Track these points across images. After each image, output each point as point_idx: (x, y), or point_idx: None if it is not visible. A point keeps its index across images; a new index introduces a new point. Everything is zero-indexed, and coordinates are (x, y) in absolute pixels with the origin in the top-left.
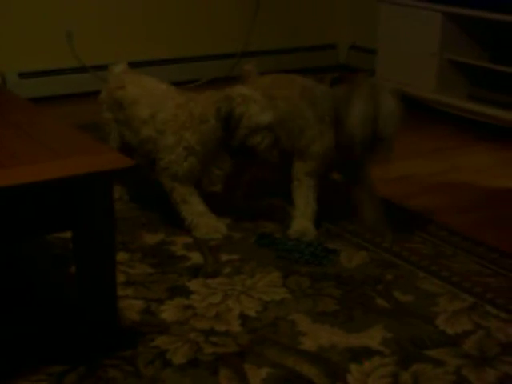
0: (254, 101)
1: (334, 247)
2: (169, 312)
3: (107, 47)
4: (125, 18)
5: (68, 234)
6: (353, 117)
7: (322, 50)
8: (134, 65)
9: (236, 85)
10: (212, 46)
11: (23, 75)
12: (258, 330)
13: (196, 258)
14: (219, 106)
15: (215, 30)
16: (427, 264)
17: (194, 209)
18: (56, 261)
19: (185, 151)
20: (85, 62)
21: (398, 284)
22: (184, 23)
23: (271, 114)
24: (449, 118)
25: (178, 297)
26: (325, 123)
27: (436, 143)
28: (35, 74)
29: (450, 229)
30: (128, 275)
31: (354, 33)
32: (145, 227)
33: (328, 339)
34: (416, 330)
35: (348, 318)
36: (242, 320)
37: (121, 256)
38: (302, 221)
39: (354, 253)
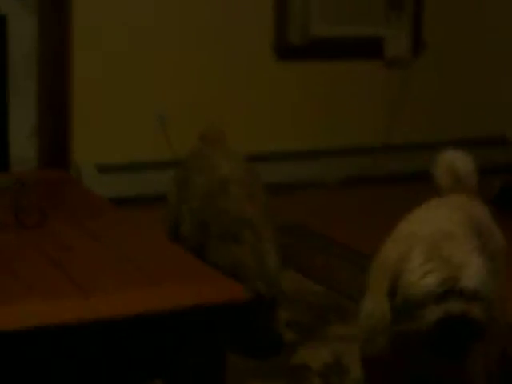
0: None
1: None
2: None
3: None
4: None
5: None
6: None
7: (486, 145)
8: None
9: None
10: (347, 139)
11: (103, 169)
12: None
13: None
14: None
15: (350, 120)
16: None
17: None
18: None
19: None
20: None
21: None
22: (303, 112)
23: None
24: None
25: None
26: None
27: None
28: (117, 168)
29: None
30: None
31: None
32: (256, 375)
33: None
34: None
35: None
36: None
37: None
38: None
39: None
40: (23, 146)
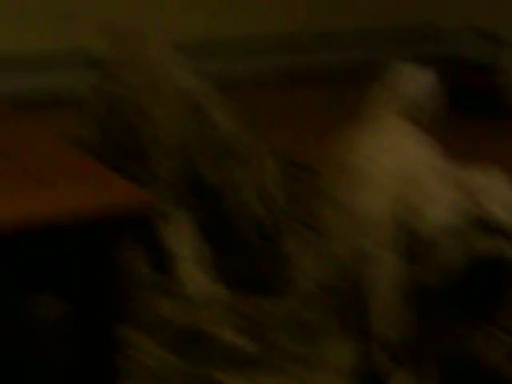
0: None
1: None
2: None
3: None
4: None
5: None
6: None
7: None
8: None
9: None
10: (269, 30)
11: None
12: None
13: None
14: None
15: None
16: None
17: None
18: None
19: None
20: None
21: None
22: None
23: None
24: None
25: None
26: None
27: None
28: (14, 63)
29: None
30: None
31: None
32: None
33: None
34: None
35: None
36: None
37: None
38: None
39: None
40: None
